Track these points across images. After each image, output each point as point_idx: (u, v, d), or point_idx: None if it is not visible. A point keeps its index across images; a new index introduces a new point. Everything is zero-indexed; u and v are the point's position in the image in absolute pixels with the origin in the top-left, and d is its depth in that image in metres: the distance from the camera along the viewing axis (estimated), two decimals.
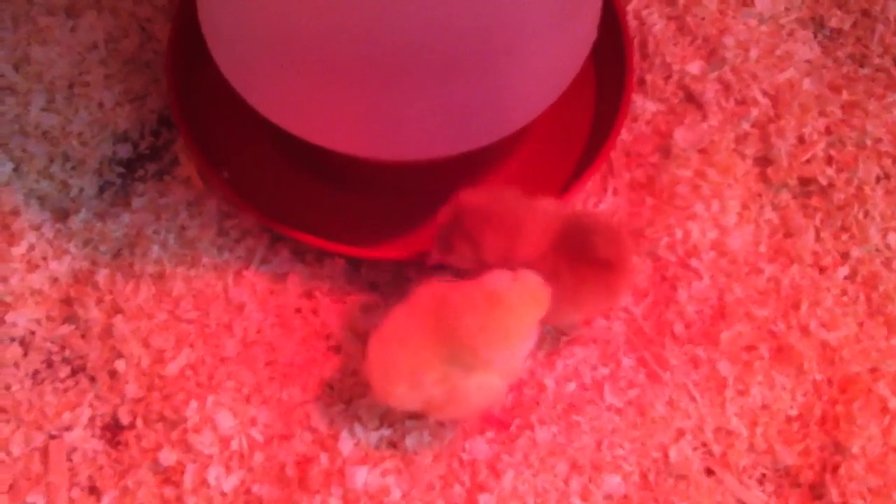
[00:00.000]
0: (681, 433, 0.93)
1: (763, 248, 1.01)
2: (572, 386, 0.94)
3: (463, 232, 0.82)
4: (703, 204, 1.02)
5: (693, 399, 0.94)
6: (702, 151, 1.05)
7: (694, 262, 0.99)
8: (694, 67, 1.10)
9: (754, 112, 1.07)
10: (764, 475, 0.92)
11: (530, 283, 0.80)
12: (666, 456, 0.92)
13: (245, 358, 0.95)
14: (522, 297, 0.79)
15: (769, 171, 1.05)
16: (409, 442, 0.91)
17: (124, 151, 1.06)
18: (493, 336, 0.78)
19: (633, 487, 0.91)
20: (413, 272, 0.98)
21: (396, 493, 0.89)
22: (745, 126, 1.07)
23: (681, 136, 1.05)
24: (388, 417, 0.91)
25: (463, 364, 0.81)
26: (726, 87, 1.09)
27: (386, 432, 0.91)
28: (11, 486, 0.91)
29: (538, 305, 0.80)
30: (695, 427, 0.93)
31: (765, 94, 1.09)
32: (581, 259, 0.83)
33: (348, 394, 0.93)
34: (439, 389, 0.82)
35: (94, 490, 0.91)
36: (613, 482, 0.90)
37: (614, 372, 0.95)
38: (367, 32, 0.72)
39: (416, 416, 0.90)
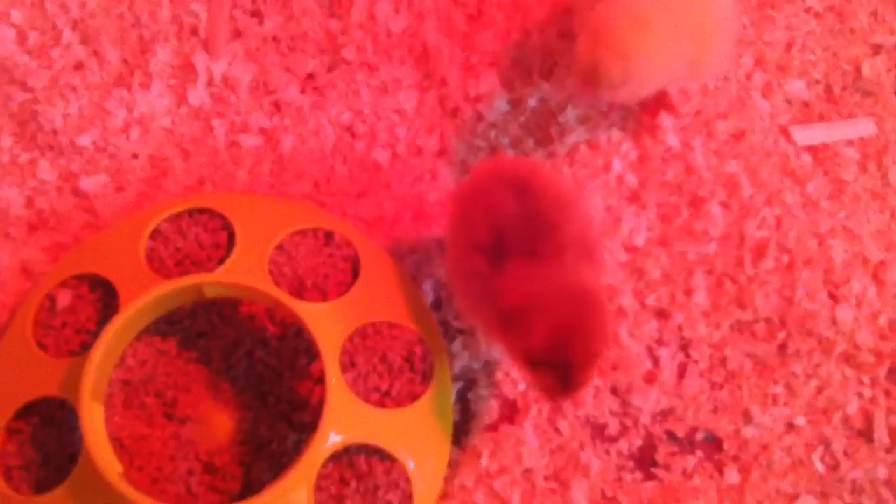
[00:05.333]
0: (878, 49, 0.86)
1: None
2: None
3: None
4: None
5: None
6: None
7: None
8: None
9: None
10: None
11: None
12: (858, 70, 0.86)
13: None
14: None
15: None
16: None
17: None
18: None
19: (815, 97, 0.85)
20: None
21: None
22: None
23: None
24: None
25: None
26: None
27: None
28: None
29: None
30: (894, 46, 0.86)
31: None
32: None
33: None
34: None
35: (256, 13, 0.88)
36: (797, 86, 0.85)
37: None
38: None
39: None
